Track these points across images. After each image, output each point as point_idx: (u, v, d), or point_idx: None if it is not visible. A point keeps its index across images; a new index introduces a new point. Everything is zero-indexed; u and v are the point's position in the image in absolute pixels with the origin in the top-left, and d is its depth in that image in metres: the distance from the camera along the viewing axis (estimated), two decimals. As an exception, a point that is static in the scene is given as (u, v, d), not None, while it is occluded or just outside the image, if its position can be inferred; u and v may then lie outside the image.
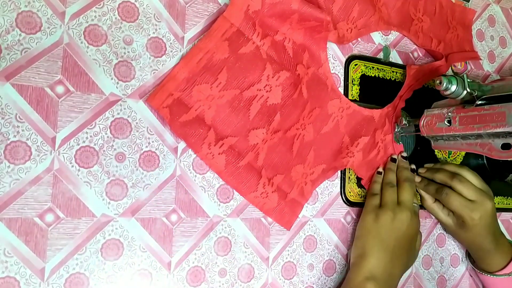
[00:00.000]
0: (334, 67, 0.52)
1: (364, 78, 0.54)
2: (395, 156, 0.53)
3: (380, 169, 0.53)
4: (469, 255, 0.60)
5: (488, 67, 0.66)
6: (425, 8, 0.59)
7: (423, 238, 0.57)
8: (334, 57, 0.52)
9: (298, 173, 0.48)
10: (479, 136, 0.44)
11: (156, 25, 0.43)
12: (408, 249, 0.48)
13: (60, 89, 0.38)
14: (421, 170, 0.55)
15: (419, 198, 0.55)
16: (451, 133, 0.46)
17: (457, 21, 0.62)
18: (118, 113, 0.41)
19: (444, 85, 0.43)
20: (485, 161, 0.63)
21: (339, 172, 0.52)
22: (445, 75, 0.44)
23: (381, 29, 0.55)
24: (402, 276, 0.55)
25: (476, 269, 0.57)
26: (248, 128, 0.45)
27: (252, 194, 0.45)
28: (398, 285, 0.48)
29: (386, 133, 0.54)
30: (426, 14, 0.59)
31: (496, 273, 0.54)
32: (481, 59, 0.64)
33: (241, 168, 0.44)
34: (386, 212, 0.47)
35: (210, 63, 0.43)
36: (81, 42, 0.39)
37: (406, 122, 0.52)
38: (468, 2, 0.65)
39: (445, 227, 0.57)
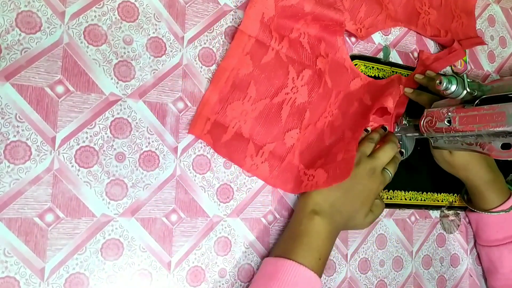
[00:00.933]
0: (334, 67, 0.52)
1: (364, 78, 0.54)
2: (386, 127, 0.52)
3: (368, 128, 0.51)
4: (466, 193, 0.59)
5: (488, 67, 0.66)
6: (430, 0, 0.60)
7: (423, 238, 0.57)
8: (334, 57, 0.52)
9: (336, 154, 0.47)
10: (479, 136, 0.44)
11: (156, 25, 0.43)
12: (362, 200, 0.45)
13: (60, 89, 0.38)
14: (417, 76, 0.53)
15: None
16: (451, 133, 0.46)
17: (460, 9, 0.63)
18: (118, 113, 0.41)
19: (444, 85, 0.43)
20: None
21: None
22: (445, 75, 0.44)
23: (388, 26, 0.55)
24: (402, 276, 0.55)
25: (471, 208, 0.57)
26: (283, 132, 0.47)
27: (302, 185, 0.46)
28: (342, 229, 0.47)
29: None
30: (432, 7, 0.60)
31: (492, 210, 0.54)
32: (486, 44, 0.64)
33: (284, 169, 0.46)
34: None
35: (237, 80, 0.44)
36: (81, 42, 0.39)
37: (406, 122, 0.52)
38: (468, 2, 0.65)
39: (436, 155, 0.54)
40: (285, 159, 0.46)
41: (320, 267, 0.43)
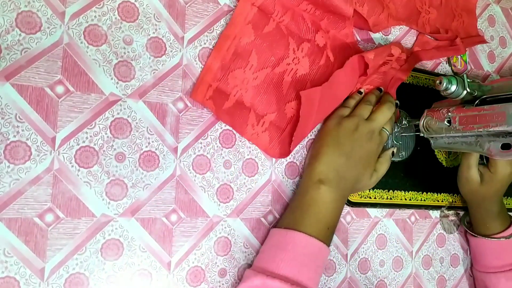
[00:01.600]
0: (334, 67, 0.52)
1: (364, 78, 0.54)
2: (382, 88, 0.52)
3: (362, 89, 0.51)
4: (464, 218, 0.60)
5: (488, 67, 0.66)
6: (430, 0, 0.60)
7: (423, 238, 0.57)
8: (334, 57, 0.52)
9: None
10: (479, 136, 0.45)
11: (156, 25, 0.43)
12: (364, 163, 0.46)
13: (60, 89, 0.38)
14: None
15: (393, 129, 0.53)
16: (451, 133, 0.46)
17: (461, 8, 0.62)
18: (118, 113, 0.41)
19: (444, 85, 0.43)
20: (485, 161, 0.63)
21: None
22: (445, 75, 0.44)
23: (391, 25, 0.55)
24: (402, 276, 0.55)
25: (472, 233, 0.57)
26: (284, 102, 0.47)
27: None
28: (350, 194, 0.48)
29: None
30: (433, 6, 0.60)
31: (493, 236, 0.54)
32: (488, 42, 0.64)
33: (283, 140, 0.47)
34: (350, 120, 0.46)
35: (239, 48, 0.45)
36: (81, 42, 0.39)
37: (406, 122, 0.52)
38: (468, 2, 0.65)
39: (465, 182, 0.55)
40: (285, 130, 0.47)
41: (329, 237, 0.44)
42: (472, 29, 0.63)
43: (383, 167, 0.49)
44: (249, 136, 0.45)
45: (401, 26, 0.58)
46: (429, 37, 0.59)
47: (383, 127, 0.48)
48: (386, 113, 0.48)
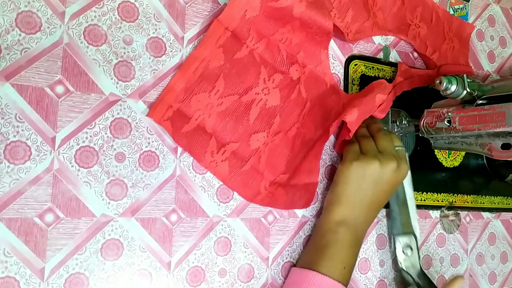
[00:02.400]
0: (334, 67, 0.52)
1: (364, 78, 0.54)
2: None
3: None
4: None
5: (488, 67, 0.66)
6: (422, 15, 0.58)
7: (423, 238, 0.57)
8: (334, 57, 0.52)
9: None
10: (479, 136, 0.45)
11: (156, 25, 0.43)
12: (386, 198, 0.47)
13: (60, 89, 0.38)
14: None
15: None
16: (451, 133, 0.46)
17: (454, 33, 0.61)
18: (118, 113, 0.41)
19: (444, 85, 0.43)
20: (485, 161, 0.63)
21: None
22: (445, 75, 0.44)
23: (375, 34, 0.54)
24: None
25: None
26: (249, 133, 0.45)
27: (258, 196, 0.45)
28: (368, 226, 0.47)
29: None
30: (423, 21, 0.58)
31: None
32: (474, 74, 0.63)
33: (245, 173, 0.45)
34: (371, 161, 0.44)
35: (206, 71, 0.43)
36: (81, 42, 0.39)
37: (406, 122, 0.52)
38: (468, 2, 0.65)
39: None
40: (248, 162, 0.45)
41: (346, 276, 0.44)
42: (462, 57, 0.62)
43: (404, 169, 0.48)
44: (207, 164, 0.43)
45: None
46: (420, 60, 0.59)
47: (396, 147, 0.47)
48: (388, 139, 0.47)
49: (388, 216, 0.53)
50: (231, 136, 0.44)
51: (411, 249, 0.51)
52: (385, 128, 0.50)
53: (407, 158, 0.48)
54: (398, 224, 0.51)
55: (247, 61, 0.45)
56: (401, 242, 0.51)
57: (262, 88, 0.45)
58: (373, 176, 0.44)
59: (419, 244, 0.52)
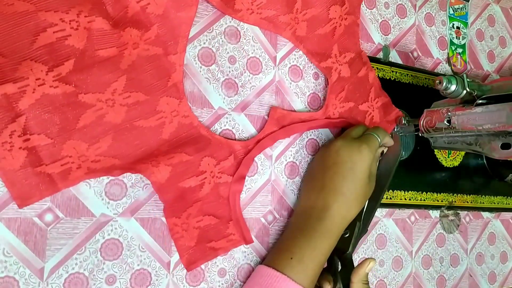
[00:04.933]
0: (333, 67, 0.52)
1: (363, 78, 0.53)
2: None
3: None
4: None
5: (487, 67, 0.66)
6: (351, 59, 0.50)
7: (422, 238, 0.57)
8: (334, 57, 0.52)
9: (75, 150, 0.37)
10: (479, 136, 0.45)
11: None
12: (343, 181, 0.43)
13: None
14: None
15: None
16: (451, 133, 0.46)
17: (379, 106, 0.52)
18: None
19: (444, 84, 0.43)
20: (485, 161, 0.63)
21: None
22: (444, 75, 0.44)
23: (286, 37, 0.48)
24: (402, 276, 0.55)
25: None
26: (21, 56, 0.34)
27: None
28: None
29: (223, 170, 0.43)
30: (349, 66, 0.50)
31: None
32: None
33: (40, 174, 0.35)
34: (331, 143, 0.44)
35: None
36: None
37: (405, 122, 0.52)
38: (468, 2, 0.65)
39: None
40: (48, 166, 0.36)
41: (295, 266, 0.40)
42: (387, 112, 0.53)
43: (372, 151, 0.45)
44: None
45: (401, 26, 0.58)
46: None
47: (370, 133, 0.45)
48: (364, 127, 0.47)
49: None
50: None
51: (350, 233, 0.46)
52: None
53: (378, 144, 0.45)
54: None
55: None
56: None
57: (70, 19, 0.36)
58: (328, 159, 0.44)
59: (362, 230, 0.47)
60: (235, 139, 0.45)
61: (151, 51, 0.40)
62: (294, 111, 0.49)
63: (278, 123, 0.47)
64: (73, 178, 0.37)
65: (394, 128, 0.53)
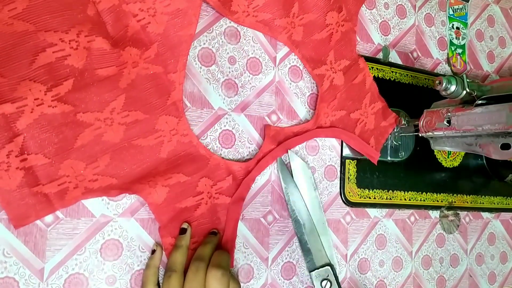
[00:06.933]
0: (333, 67, 0.52)
1: (363, 78, 0.53)
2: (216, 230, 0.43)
3: (185, 225, 0.41)
4: None
5: (487, 67, 0.66)
6: (346, 67, 0.50)
7: (422, 238, 0.57)
8: (334, 57, 0.52)
9: (73, 169, 0.36)
10: (478, 136, 0.45)
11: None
12: None
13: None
14: None
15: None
16: (451, 133, 0.46)
17: (374, 112, 0.52)
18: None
19: (444, 85, 0.43)
20: (484, 161, 0.63)
21: (338, 172, 0.52)
22: (444, 75, 0.44)
23: (282, 41, 0.48)
24: (402, 276, 0.55)
25: None
26: (21, 75, 0.34)
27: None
28: None
29: (221, 191, 0.43)
30: (343, 73, 0.50)
31: None
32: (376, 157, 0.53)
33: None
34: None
35: None
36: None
37: (405, 122, 0.52)
38: (468, 2, 0.65)
39: None
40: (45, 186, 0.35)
41: None
42: (374, 140, 0.52)
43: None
44: None
45: (401, 27, 0.58)
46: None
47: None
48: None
49: (302, 250, 0.48)
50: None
51: (330, 282, 0.47)
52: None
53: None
54: (312, 257, 0.47)
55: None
56: (318, 277, 0.47)
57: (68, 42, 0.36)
58: None
59: (337, 272, 0.48)
60: (233, 160, 0.45)
61: (150, 70, 0.40)
62: (286, 126, 0.48)
63: (274, 140, 0.47)
64: (70, 198, 0.36)
65: (393, 130, 0.53)
